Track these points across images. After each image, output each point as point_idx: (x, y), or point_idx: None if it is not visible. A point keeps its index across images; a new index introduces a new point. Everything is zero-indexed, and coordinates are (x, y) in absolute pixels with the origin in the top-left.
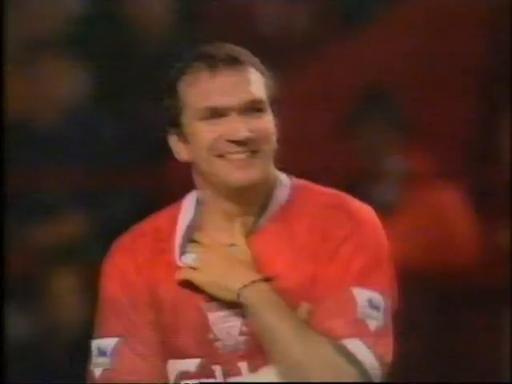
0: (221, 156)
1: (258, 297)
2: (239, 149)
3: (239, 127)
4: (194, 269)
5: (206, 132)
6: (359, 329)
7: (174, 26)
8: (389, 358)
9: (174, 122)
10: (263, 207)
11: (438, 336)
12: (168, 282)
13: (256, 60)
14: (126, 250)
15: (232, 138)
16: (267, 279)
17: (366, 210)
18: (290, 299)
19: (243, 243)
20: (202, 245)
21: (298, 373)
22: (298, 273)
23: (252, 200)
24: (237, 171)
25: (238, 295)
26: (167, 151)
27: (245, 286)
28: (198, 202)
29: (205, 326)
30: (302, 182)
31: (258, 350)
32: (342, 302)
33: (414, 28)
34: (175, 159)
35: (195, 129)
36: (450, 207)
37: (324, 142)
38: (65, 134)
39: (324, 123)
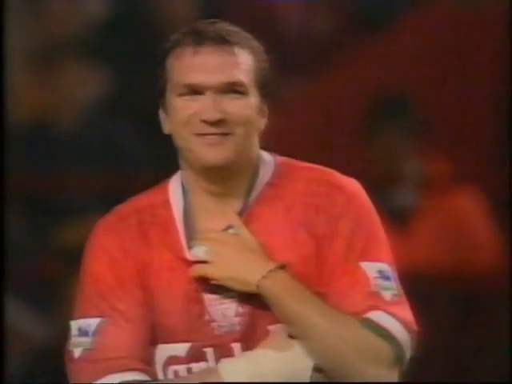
0: (195, 134)
1: (279, 286)
2: (211, 129)
3: (211, 108)
4: (205, 262)
5: (182, 108)
6: (376, 301)
7: None
8: (414, 324)
9: (161, 94)
10: (250, 187)
11: (454, 340)
12: (160, 264)
13: (251, 43)
14: (112, 230)
15: (203, 118)
16: (282, 266)
17: (353, 184)
18: (297, 278)
19: (244, 229)
20: (207, 235)
21: (334, 356)
22: (300, 250)
23: (234, 179)
24: (208, 149)
25: (258, 287)
26: None
27: (263, 276)
28: (184, 184)
29: (200, 308)
30: (285, 158)
31: (252, 331)
32: (354, 278)
33: (433, 33)
34: None
35: (174, 104)
36: (468, 212)
37: (342, 147)
38: (85, 136)
39: (342, 127)
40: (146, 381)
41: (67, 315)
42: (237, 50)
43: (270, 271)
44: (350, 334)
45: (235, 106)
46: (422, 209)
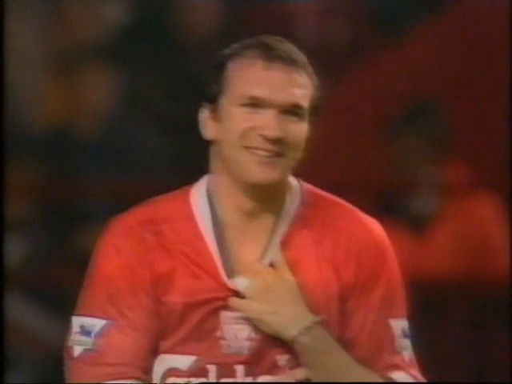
0: (248, 147)
1: (312, 343)
2: (267, 146)
3: (274, 125)
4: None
5: (240, 120)
6: (399, 361)
7: (214, 36)
8: None
9: (212, 99)
10: (279, 211)
11: (470, 347)
12: (182, 275)
13: (311, 69)
14: (129, 234)
15: (264, 133)
16: (319, 322)
17: (379, 227)
18: (316, 310)
19: (287, 269)
20: (252, 267)
21: None
22: (325, 288)
23: (268, 201)
24: (257, 167)
25: (292, 342)
26: (206, 161)
27: (299, 333)
28: (209, 193)
29: (215, 323)
30: (308, 185)
31: (258, 358)
32: (383, 335)
33: (455, 38)
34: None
35: (231, 113)
36: (487, 219)
37: (362, 152)
38: (104, 141)
39: (362, 133)
40: None
41: None
42: (302, 73)
43: (308, 328)
44: None
45: (295, 129)
46: (441, 215)
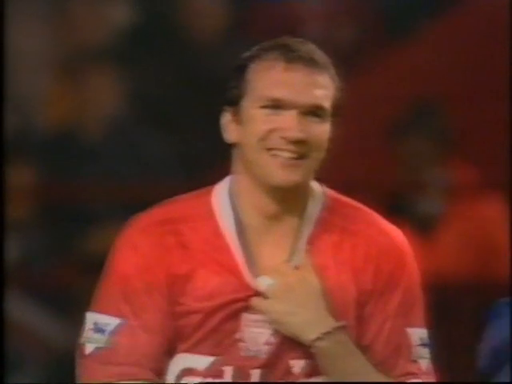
0: (270, 149)
1: (331, 349)
2: (289, 147)
3: (295, 126)
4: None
5: (262, 121)
6: (416, 369)
7: (220, 37)
8: None
9: (233, 102)
10: (302, 213)
11: (477, 345)
12: (203, 277)
13: (333, 70)
14: (148, 233)
15: (285, 135)
16: (339, 327)
17: (400, 235)
18: (334, 314)
19: (312, 273)
20: (277, 267)
21: None
22: (343, 294)
23: (289, 202)
24: (280, 169)
25: (310, 346)
26: (210, 165)
27: (318, 338)
28: (231, 193)
29: (236, 325)
30: (329, 190)
31: (274, 362)
32: (400, 343)
33: (460, 40)
34: (217, 174)
35: (253, 115)
36: (494, 219)
37: (369, 153)
38: (108, 144)
39: (369, 135)
40: None
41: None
42: (324, 74)
43: (327, 333)
44: None
45: (317, 130)
46: (448, 216)
